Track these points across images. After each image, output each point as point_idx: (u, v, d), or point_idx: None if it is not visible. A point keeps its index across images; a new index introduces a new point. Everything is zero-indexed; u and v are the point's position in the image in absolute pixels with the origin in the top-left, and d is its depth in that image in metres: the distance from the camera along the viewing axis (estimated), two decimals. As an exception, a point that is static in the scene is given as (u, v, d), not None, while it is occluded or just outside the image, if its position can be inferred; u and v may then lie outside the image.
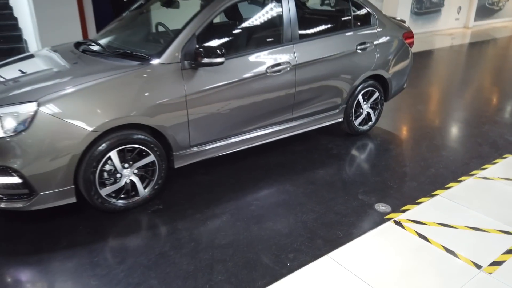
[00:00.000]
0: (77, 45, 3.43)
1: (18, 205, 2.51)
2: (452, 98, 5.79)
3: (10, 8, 7.73)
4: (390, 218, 2.82)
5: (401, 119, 4.86)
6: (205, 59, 2.80)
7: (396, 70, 4.26)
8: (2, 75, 2.94)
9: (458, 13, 12.99)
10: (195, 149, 3.09)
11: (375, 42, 3.98)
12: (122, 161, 2.75)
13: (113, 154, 2.68)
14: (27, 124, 2.39)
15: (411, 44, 4.43)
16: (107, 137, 2.61)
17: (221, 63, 2.84)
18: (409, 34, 4.37)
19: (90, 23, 6.09)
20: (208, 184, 3.28)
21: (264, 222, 2.77)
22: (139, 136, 2.74)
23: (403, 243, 2.57)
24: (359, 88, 3.99)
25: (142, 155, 2.82)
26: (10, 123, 2.40)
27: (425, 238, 2.61)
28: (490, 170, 3.55)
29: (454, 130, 4.49)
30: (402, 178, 3.41)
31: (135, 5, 3.86)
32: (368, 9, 4.04)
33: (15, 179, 2.44)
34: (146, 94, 2.72)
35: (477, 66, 8.01)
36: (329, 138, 4.18)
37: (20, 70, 3.02)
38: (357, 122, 4.18)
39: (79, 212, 2.82)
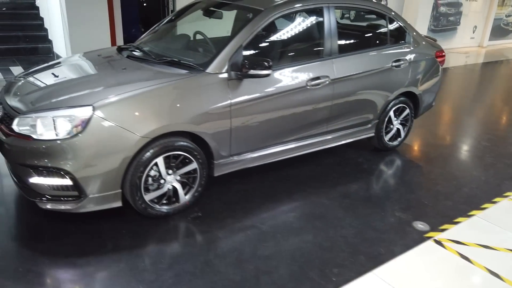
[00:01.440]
0: (120, 50, 3.48)
1: (67, 207, 2.54)
2: (475, 117, 5.81)
3: (37, 8, 7.85)
4: (430, 237, 2.83)
5: (426, 136, 4.88)
6: (252, 70, 2.84)
7: (427, 87, 4.29)
8: (49, 79, 2.99)
9: (473, 32, 13.06)
10: (235, 158, 3.12)
11: (409, 60, 4.01)
12: (167, 167, 2.77)
13: (160, 160, 2.71)
14: (81, 127, 2.42)
15: (442, 62, 4.47)
16: (154, 144, 2.64)
17: (268, 75, 2.88)
18: (440, 53, 4.41)
19: (118, 27, 6.16)
20: (244, 193, 3.30)
21: (304, 235, 2.78)
22: (184, 144, 2.77)
23: (445, 263, 2.58)
24: (391, 104, 4.01)
25: (185, 162, 2.85)
26: (64, 126, 2.43)
27: (467, 259, 2.62)
28: (523, 192, 3.56)
29: (481, 150, 4.50)
30: (436, 196, 3.42)
31: (175, 13, 3.91)
32: (403, 26, 4.08)
33: (66, 181, 2.47)
34: (194, 102, 2.76)
35: (495, 85, 8.04)
36: (358, 152, 4.20)
37: (66, 75, 3.07)
38: (387, 138, 4.19)
39: (119, 215, 2.84)
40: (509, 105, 6.61)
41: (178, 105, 2.70)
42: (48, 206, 2.56)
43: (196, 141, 2.87)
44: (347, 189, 3.44)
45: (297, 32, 3.46)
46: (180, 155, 2.79)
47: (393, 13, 4.01)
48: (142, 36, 3.81)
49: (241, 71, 2.88)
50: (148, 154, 2.63)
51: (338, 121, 3.66)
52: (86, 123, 2.43)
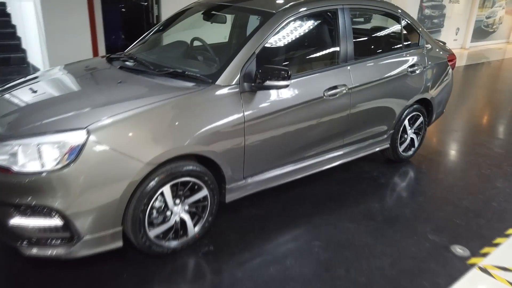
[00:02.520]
0: (110, 60, 3.06)
1: (57, 251, 2.10)
2: (476, 122, 5.62)
3: (8, 15, 7.27)
4: (473, 264, 2.52)
5: (435, 144, 4.62)
6: (268, 81, 2.47)
7: (440, 93, 4.03)
8: (29, 96, 2.55)
9: (456, 34, 13.10)
10: (249, 180, 2.74)
11: (424, 65, 3.74)
12: (174, 196, 2.37)
13: (166, 190, 2.31)
14: (73, 156, 2.00)
15: (452, 66, 4.22)
16: (160, 170, 2.24)
17: (286, 86, 2.52)
18: (452, 57, 4.17)
19: (100, 34, 5.69)
20: (258, 219, 2.92)
21: (335, 269, 2.43)
22: (193, 168, 2.37)
23: (499, 295, 2.28)
24: (406, 112, 3.72)
25: (193, 189, 2.46)
26: (52, 155, 2.00)
27: (521, 289, 2.33)
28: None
29: (497, 158, 4.26)
30: (466, 213, 3.12)
31: (168, 18, 3.50)
32: (417, 30, 3.81)
33: (56, 221, 2.04)
34: (204, 119, 2.37)
35: (486, 87, 7.94)
36: (372, 165, 3.89)
37: (50, 91, 2.63)
38: (401, 148, 3.90)
39: (119, 254, 2.41)
40: (507, 107, 6.47)
41: (186, 124, 2.31)
42: (34, 252, 2.11)
43: (205, 163, 2.48)
44: (369, 209, 3.11)
45: (311, 36, 3.12)
46: (188, 181, 2.39)
47: (407, 16, 3.73)
48: (133, 44, 3.39)
49: (255, 82, 2.51)
50: (152, 183, 2.22)
51: (355, 133, 3.34)
52: (79, 150, 2.01)
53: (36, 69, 5.98)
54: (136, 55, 3.07)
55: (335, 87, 2.99)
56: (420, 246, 2.68)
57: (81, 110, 2.19)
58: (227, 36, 3.82)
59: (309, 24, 3.09)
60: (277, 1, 3.03)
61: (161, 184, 2.26)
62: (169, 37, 3.49)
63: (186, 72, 2.58)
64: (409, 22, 3.73)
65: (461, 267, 2.49)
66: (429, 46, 3.89)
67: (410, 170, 3.88)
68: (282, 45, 2.91)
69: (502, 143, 4.68)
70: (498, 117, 5.90)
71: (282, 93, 2.69)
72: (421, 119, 3.96)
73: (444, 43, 4.36)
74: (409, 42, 3.76)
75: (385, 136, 3.66)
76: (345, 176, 3.64)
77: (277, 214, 2.98)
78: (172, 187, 2.33)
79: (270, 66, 2.51)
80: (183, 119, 2.30)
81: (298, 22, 2.95)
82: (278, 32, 2.74)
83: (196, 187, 2.45)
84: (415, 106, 3.80)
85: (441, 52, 4.04)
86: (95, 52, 5.63)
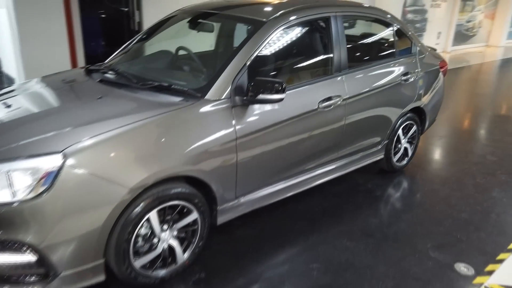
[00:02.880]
0: (89, 72, 2.84)
1: (30, 290, 1.88)
2: (466, 127, 5.58)
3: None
4: (480, 284, 2.40)
5: (426, 152, 4.53)
6: (261, 95, 2.31)
7: (433, 101, 3.94)
8: (0, 113, 2.32)
9: (438, 38, 13.23)
10: (241, 199, 2.56)
11: (417, 72, 3.64)
12: (161, 221, 2.18)
13: (153, 215, 2.11)
14: (48, 183, 1.79)
15: (444, 73, 4.14)
16: (145, 195, 2.04)
17: (281, 99, 2.36)
18: (443, 63, 4.08)
19: (78, 42, 5.43)
20: (251, 240, 2.74)
21: (337, 294, 2.27)
22: (182, 190, 2.19)
23: (510, 319, 2.16)
24: (400, 121, 3.61)
25: (182, 213, 2.27)
26: (23, 183, 1.79)
27: (532, 311, 2.21)
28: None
29: (490, 167, 4.19)
30: (465, 227, 3.02)
31: (151, 27, 3.30)
32: (409, 36, 3.71)
33: (29, 257, 1.82)
34: (193, 138, 2.19)
35: (469, 91, 7.97)
36: (366, 176, 3.76)
37: (23, 108, 2.40)
38: (395, 159, 3.79)
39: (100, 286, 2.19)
40: (493, 111, 6.47)
41: (174, 143, 2.12)
42: (4, 290, 1.89)
43: (195, 184, 2.29)
44: (367, 225, 2.97)
45: (303, 46, 2.97)
46: (177, 205, 2.20)
47: (399, 22, 3.63)
48: (114, 55, 3.18)
49: (247, 95, 2.35)
50: (138, 209, 2.03)
51: (349, 145, 3.20)
52: (54, 176, 1.80)
53: (10, 79, 5.68)
54: (117, 67, 2.87)
55: (329, 98, 2.85)
56: (423, 265, 2.55)
57: (57, 131, 1.98)
58: (213, 44, 3.64)
59: (301, 33, 2.94)
60: (265, 9, 2.87)
61: (147, 210, 2.07)
62: (152, 47, 3.29)
63: (173, 86, 2.38)
64: (401, 28, 3.63)
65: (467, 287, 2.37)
66: (421, 53, 3.80)
67: (404, 181, 3.77)
68: (274, 55, 2.75)
69: (492, 149, 4.62)
70: (483, 122, 5.88)
71: (276, 106, 2.53)
72: (414, 128, 3.86)
73: (435, 50, 4.28)
74: (401, 49, 3.66)
75: (379, 146, 3.54)
76: (339, 189, 3.49)
77: (271, 234, 2.81)
78: (159, 211, 2.14)
79: (263, 79, 2.34)
80: (171, 138, 2.11)
81: (290, 31, 2.80)
82: (270, 41, 2.58)
83: (185, 210, 2.26)
84: (408, 115, 3.69)
85: (433, 59, 3.95)
86: (74, 60, 5.37)
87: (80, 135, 1.93)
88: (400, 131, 3.69)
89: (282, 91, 2.32)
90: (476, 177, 3.88)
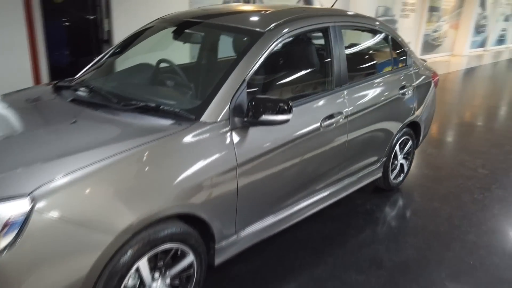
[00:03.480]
0: (57, 89, 2.45)
1: None
2: (449, 139, 5.52)
3: None
4: (507, 319, 2.20)
5: (420, 167, 4.37)
6: (265, 116, 2.01)
7: (427, 114, 3.79)
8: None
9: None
10: (241, 234, 2.25)
11: (413, 85, 3.47)
12: (152, 268, 1.83)
13: (143, 264, 1.76)
14: (13, 235, 1.41)
15: (435, 84, 4.00)
16: (133, 240, 1.69)
17: (287, 121, 2.07)
18: (434, 75, 3.95)
19: (41, 53, 4.95)
20: (251, 277, 2.43)
21: None
22: (176, 231, 1.85)
23: None
24: (397, 137, 3.42)
25: (176, 256, 1.93)
26: (-21, 236, 1.40)
27: None
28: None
29: (483, 180, 4.08)
30: (476, 251, 2.83)
31: (130, 36, 2.94)
32: (404, 48, 3.54)
33: (-13, 332, 1.43)
34: (189, 168, 1.86)
35: (445, 101, 8.02)
36: (362, 196, 3.53)
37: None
38: (392, 176, 3.59)
39: None
40: (472, 121, 6.47)
41: (167, 176, 1.79)
42: None
43: (190, 221, 1.96)
44: (375, 254, 2.72)
45: (303, 58, 2.70)
46: (170, 248, 1.86)
47: (395, 34, 3.46)
48: (86, 68, 2.79)
49: (248, 116, 2.04)
50: (125, 258, 1.67)
51: (351, 165, 2.96)
52: (20, 227, 1.42)
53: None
54: (91, 83, 2.49)
55: (331, 116, 2.60)
56: (443, 300, 2.33)
57: (22, 167, 1.60)
58: (195, 56, 3.33)
59: (301, 45, 2.68)
60: (261, 18, 2.60)
61: (136, 258, 1.71)
62: (129, 60, 2.93)
63: (162, 107, 2.05)
64: (396, 40, 3.45)
65: (495, 325, 2.16)
66: (415, 64, 3.64)
67: (402, 199, 3.57)
68: (272, 69, 2.47)
69: (482, 162, 4.53)
70: (466, 133, 5.83)
71: (278, 127, 2.24)
72: (410, 143, 3.68)
73: (425, 61, 4.15)
74: (398, 62, 3.48)
75: (378, 164, 3.32)
76: (337, 211, 3.24)
77: (272, 269, 2.51)
78: (150, 258, 1.79)
79: (266, 97, 2.06)
80: (163, 171, 1.78)
81: (289, 43, 2.54)
82: (269, 54, 2.29)
83: (179, 252, 1.92)
84: (405, 129, 3.51)
85: (426, 71, 3.80)
86: (36, 73, 4.87)
87: (52, 172, 1.56)
88: (397, 147, 3.49)
89: (289, 111, 2.04)
90: (473, 193, 3.74)
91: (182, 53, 3.56)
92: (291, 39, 2.49)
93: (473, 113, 6.92)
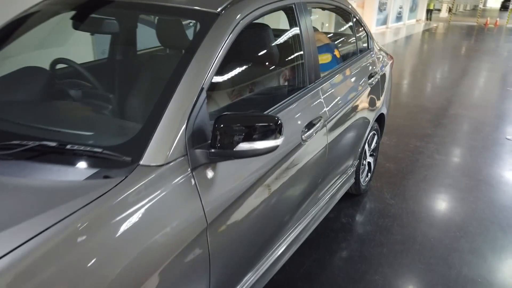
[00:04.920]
0: None
1: None
2: (394, 123, 5.28)
3: None
4: None
5: (379, 160, 3.98)
6: (243, 144, 1.28)
7: (388, 103, 3.36)
8: None
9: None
10: (217, 317, 1.52)
11: (377, 72, 2.97)
12: None
13: None
14: None
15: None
16: None
17: (276, 147, 1.36)
18: (390, 58, 3.52)
19: None
20: None
21: None
22: None
23: None
24: (366, 134, 2.91)
25: None
26: None
27: None
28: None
29: (446, 167, 3.81)
30: (478, 262, 2.44)
31: (5, 27, 1.94)
32: (366, 30, 3.01)
33: None
34: (134, 250, 1.07)
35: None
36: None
37: None
38: (362, 178, 3.10)
39: None
40: (406, 101, 6.36)
41: (100, 274, 0.98)
42: None
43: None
44: (371, 286, 2.19)
45: (271, 49, 1.97)
46: None
47: (357, 14, 2.90)
48: None
49: (215, 146, 1.29)
50: None
51: (329, 179, 2.37)
52: None
53: None
54: None
55: (311, 124, 1.95)
56: None
57: None
58: (105, 51, 2.44)
59: (264, 32, 1.95)
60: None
61: None
62: (6, 63, 1.96)
63: (69, 146, 1.20)
64: (359, 20, 2.91)
65: None
66: (375, 49, 3.15)
67: (376, 204, 3.10)
68: (235, 67, 1.73)
69: (435, 146, 4.29)
70: (404, 115, 5.64)
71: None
72: (375, 138, 3.22)
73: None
74: (362, 46, 2.95)
75: (352, 169, 2.79)
76: (312, 235, 2.60)
77: None
78: None
79: (241, 114, 1.32)
80: (95, 267, 0.97)
81: (253, 27, 1.80)
82: (229, 46, 1.54)
83: None
84: (372, 124, 3.02)
85: (383, 54, 3.34)
86: None
87: None
88: (366, 146, 2.99)
89: (278, 132, 1.33)
90: (442, 185, 3.43)
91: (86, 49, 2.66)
92: (249, 22, 1.75)
93: (399, 92, 6.83)
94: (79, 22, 1.90)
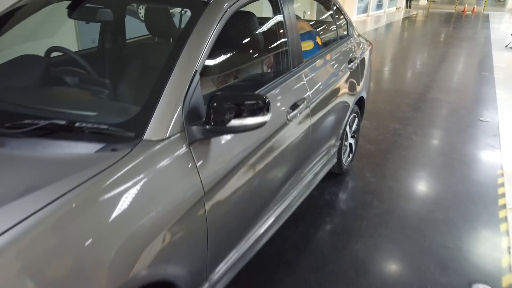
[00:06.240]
0: None
1: None
2: (379, 107, 5.49)
3: None
4: (513, 309, 2.02)
5: (360, 143, 4.17)
6: (235, 120, 1.43)
7: (368, 87, 3.53)
8: None
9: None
10: (214, 276, 1.67)
11: (357, 58, 3.14)
12: None
13: None
14: None
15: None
16: None
17: (265, 123, 1.51)
18: (370, 44, 3.69)
19: None
20: (227, 325, 1.88)
21: None
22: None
23: None
24: (347, 116, 3.09)
25: None
26: None
27: None
28: (510, 196, 3.13)
29: (424, 147, 4.03)
30: (449, 231, 2.66)
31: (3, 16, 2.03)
32: (346, 17, 3.17)
33: None
34: (141, 219, 1.21)
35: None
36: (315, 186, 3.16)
37: None
38: (344, 158, 3.28)
39: None
40: (386, 86, 6.58)
41: (110, 240, 1.12)
42: None
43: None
44: (355, 257, 2.37)
45: (257, 35, 2.11)
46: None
47: (336, 1, 3.05)
48: None
49: (210, 123, 1.43)
50: None
51: (313, 157, 2.54)
52: None
53: None
54: None
55: (295, 105, 2.11)
56: (445, 300, 2.07)
57: None
58: (95, 40, 2.53)
59: (250, 18, 2.08)
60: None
61: None
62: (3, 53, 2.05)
63: (77, 124, 1.32)
64: (338, 6, 3.06)
65: (506, 320, 1.96)
66: (355, 35, 3.31)
67: (357, 182, 3.29)
68: (222, 51, 1.86)
69: (413, 128, 4.51)
70: (386, 99, 5.86)
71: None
72: (356, 120, 3.40)
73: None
74: (342, 32, 3.11)
75: (334, 149, 2.96)
76: (298, 211, 2.77)
77: (250, 305, 2.00)
78: None
79: (232, 94, 1.46)
80: (102, 230, 1.10)
81: (240, 15, 1.93)
82: (218, 31, 1.67)
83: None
84: (353, 107, 3.19)
85: (362, 40, 3.51)
86: None
87: None
88: (347, 127, 3.17)
89: (266, 109, 1.48)
90: (420, 165, 3.64)
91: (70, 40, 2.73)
92: (241, 8, 1.89)
93: (379, 78, 7.04)
94: (72, 12, 2.00)
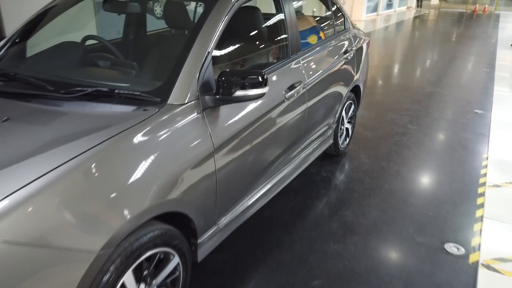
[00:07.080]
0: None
1: None
2: (379, 99, 5.81)
3: None
4: (476, 262, 2.35)
5: (358, 129, 4.52)
6: (239, 91, 1.80)
7: (364, 77, 3.87)
8: None
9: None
10: (220, 223, 2.05)
11: (353, 49, 3.48)
12: (137, 281, 1.56)
13: (129, 278, 1.48)
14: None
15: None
16: (114, 254, 1.40)
17: (263, 94, 1.88)
18: (367, 37, 4.03)
19: None
20: (230, 267, 2.26)
21: (356, 314, 1.96)
22: (159, 233, 1.59)
23: (520, 294, 2.12)
24: (343, 101, 3.43)
25: (160, 261, 1.67)
26: None
27: (532, 280, 2.22)
28: (491, 176, 3.44)
29: (416, 134, 4.35)
30: (430, 202, 2.99)
31: (41, 12, 2.42)
32: (342, 11, 3.51)
33: None
34: (165, 160, 1.59)
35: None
36: (314, 164, 3.49)
37: None
38: (341, 141, 3.63)
39: None
40: (388, 81, 6.88)
41: (143, 173, 1.49)
42: None
43: (170, 219, 1.71)
44: (344, 221, 2.73)
45: (260, 25, 2.49)
46: (155, 253, 1.60)
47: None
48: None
49: (219, 93, 1.81)
50: (107, 276, 1.38)
51: (309, 135, 2.90)
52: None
53: None
54: (9, 69, 2.01)
55: (293, 86, 2.47)
56: (417, 254, 2.41)
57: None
58: (120, 32, 2.92)
59: (253, 9, 2.45)
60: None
61: (120, 273, 1.43)
62: (46, 39, 2.45)
63: (117, 91, 1.71)
64: (335, 3, 3.41)
65: (469, 270, 2.29)
66: (351, 28, 3.65)
67: (352, 163, 3.64)
68: (233, 38, 2.23)
69: (409, 118, 4.83)
70: (384, 92, 6.17)
71: (249, 102, 2.05)
72: (352, 107, 3.74)
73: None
74: (339, 25, 3.45)
75: (330, 131, 3.32)
76: (296, 184, 3.17)
77: (251, 255, 2.36)
78: (135, 269, 1.52)
79: (237, 70, 1.84)
80: (139, 167, 1.48)
81: (245, 8, 2.30)
82: (227, 21, 2.04)
83: (161, 257, 1.67)
84: (349, 94, 3.54)
85: (360, 33, 3.85)
86: None
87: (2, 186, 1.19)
88: (343, 112, 3.52)
89: (264, 84, 1.85)
90: (411, 148, 3.97)
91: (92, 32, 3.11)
92: (241, 4, 2.25)
93: (385, 74, 7.35)
94: (107, 4, 2.39)
